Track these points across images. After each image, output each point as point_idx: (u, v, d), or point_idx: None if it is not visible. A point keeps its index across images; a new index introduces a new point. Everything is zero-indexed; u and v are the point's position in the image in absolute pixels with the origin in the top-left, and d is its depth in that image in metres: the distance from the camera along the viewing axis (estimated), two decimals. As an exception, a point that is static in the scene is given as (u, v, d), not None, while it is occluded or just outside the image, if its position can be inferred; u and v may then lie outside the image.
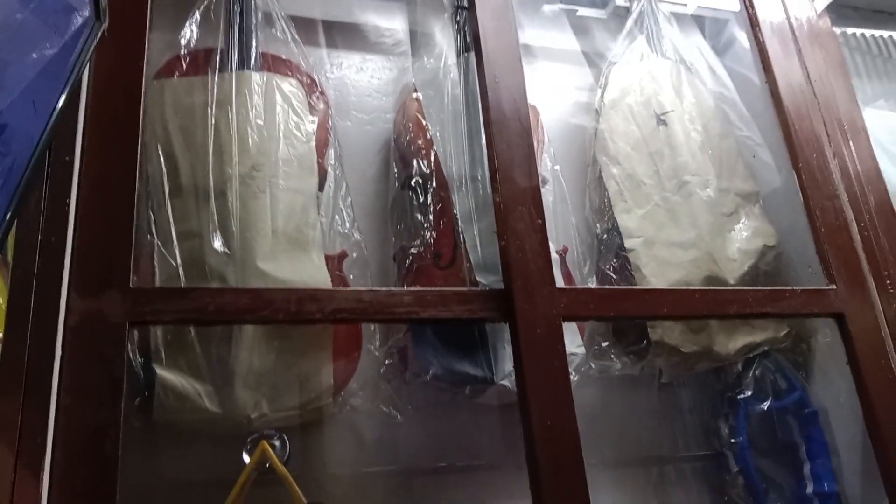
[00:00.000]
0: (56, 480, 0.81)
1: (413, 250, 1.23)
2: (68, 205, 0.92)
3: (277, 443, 1.05)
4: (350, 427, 1.20)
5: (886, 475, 1.15)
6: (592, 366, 1.24)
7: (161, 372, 1.01)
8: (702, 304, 1.14)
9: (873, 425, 1.17)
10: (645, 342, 1.24)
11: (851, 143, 1.40)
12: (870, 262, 1.27)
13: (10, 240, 0.92)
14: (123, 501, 0.82)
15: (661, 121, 1.41)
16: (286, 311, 0.96)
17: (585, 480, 0.95)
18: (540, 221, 1.10)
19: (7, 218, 0.91)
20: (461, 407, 1.25)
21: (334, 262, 1.17)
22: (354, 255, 1.21)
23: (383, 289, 1.06)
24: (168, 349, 1.03)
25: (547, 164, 1.36)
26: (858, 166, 1.38)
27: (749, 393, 1.29)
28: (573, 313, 1.07)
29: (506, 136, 1.14)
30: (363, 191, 1.35)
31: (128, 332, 0.90)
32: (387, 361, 1.18)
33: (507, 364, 1.14)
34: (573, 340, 1.20)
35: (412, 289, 1.15)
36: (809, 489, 1.26)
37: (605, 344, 1.26)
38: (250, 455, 1.02)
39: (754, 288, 1.23)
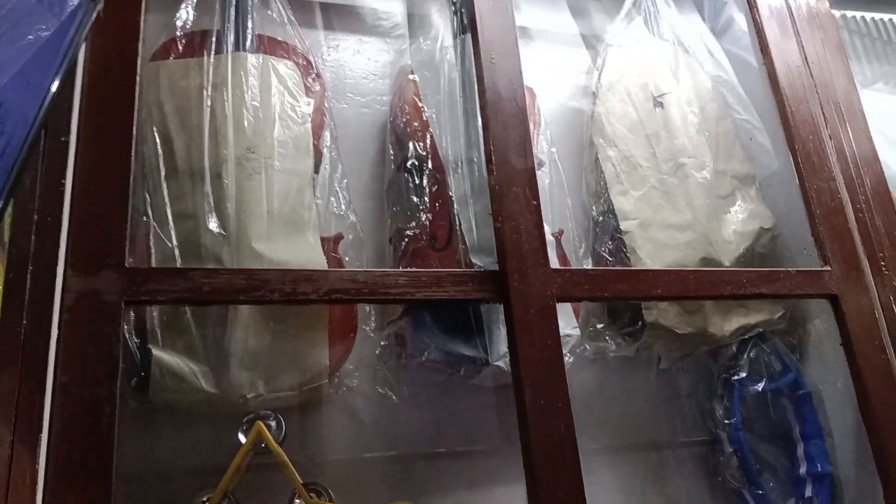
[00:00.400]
0: (53, 455, 0.82)
1: (409, 233, 1.23)
2: (64, 185, 0.93)
3: (273, 423, 1.06)
4: (346, 409, 1.20)
5: (879, 456, 1.15)
6: (587, 347, 1.25)
7: (157, 353, 1.02)
8: (696, 285, 1.14)
9: (866, 407, 1.17)
10: (640, 324, 1.25)
11: (848, 126, 1.40)
12: (865, 244, 1.27)
13: (7, 219, 0.92)
14: (120, 480, 0.83)
15: (658, 103, 1.41)
16: (281, 292, 0.97)
17: (578, 460, 0.96)
18: (535, 203, 1.10)
19: (3, 197, 0.92)
20: (457, 389, 1.26)
21: (330, 245, 1.18)
22: (350, 237, 1.21)
23: (378, 270, 1.07)
24: (164, 330, 1.03)
25: (543, 147, 1.36)
26: (855, 148, 1.38)
27: (743, 375, 1.29)
28: (567, 294, 1.08)
29: (501, 117, 1.14)
30: (359, 173, 1.35)
31: (123, 311, 0.90)
32: (382, 343, 1.19)
33: (501, 345, 1.15)
34: (568, 322, 1.21)
35: (407, 270, 1.16)
36: (803, 470, 1.27)
37: (599, 325, 1.27)
38: (246, 435, 1.03)
39: (748, 269, 1.23)
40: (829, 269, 1.23)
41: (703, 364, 1.44)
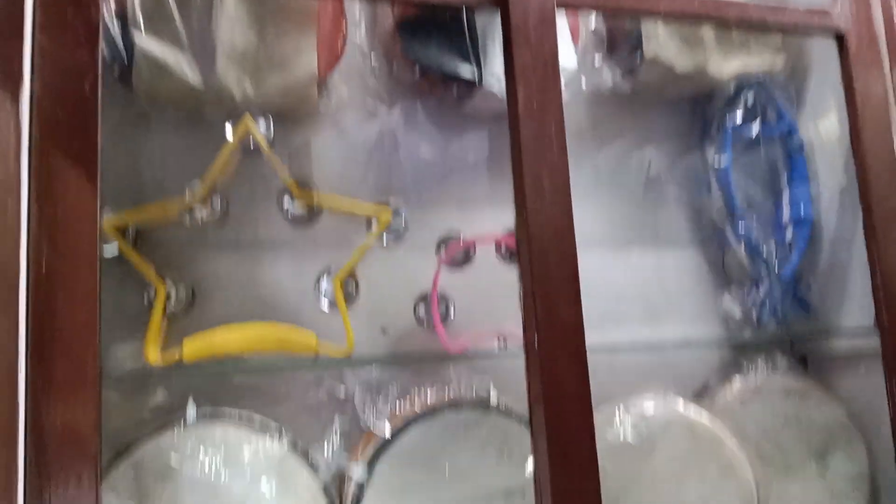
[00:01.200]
0: (37, 114, 0.81)
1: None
2: None
3: (262, 122, 1.05)
4: (335, 124, 1.18)
5: (864, 197, 1.16)
6: (583, 79, 1.21)
7: (140, 41, 0.98)
8: (700, 6, 1.10)
9: (860, 154, 1.17)
10: (639, 58, 1.21)
11: None
12: (879, -12, 1.22)
13: None
14: (105, 174, 0.82)
15: None
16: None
17: (566, 162, 0.96)
18: None
19: None
20: (449, 112, 1.24)
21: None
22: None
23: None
24: (147, 18, 0.99)
25: None
26: None
27: (738, 118, 1.27)
28: (569, 2, 1.03)
29: None
30: None
31: (102, -20, 0.86)
32: (372, 54, 1.15)
33: (496, 67, 1.11)
34: (566, 51, 1.17)
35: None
36: (786, 214, 1.29)
37: (597, 56, 1.23)
38: (234, 131, 1.02)
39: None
40: (838, 8, 1.19)
41: (691, 175, 1.40)
